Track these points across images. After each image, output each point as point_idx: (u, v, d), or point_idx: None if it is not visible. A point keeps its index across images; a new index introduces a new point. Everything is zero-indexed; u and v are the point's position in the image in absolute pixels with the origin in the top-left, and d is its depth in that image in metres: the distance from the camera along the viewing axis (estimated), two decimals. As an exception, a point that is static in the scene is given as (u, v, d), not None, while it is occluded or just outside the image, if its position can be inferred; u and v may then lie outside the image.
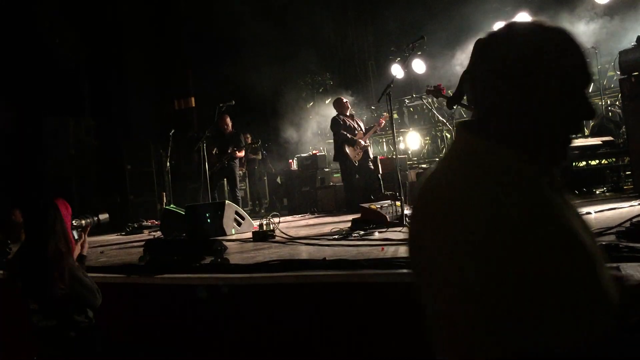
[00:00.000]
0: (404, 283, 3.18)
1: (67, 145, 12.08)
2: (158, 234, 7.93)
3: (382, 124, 9.61)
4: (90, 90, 13.76)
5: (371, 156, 9.39)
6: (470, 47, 1.39)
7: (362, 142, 9.08)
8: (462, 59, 9.48)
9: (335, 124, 9.25)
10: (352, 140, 9.01)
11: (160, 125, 14.32)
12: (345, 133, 9.08)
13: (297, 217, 9.76)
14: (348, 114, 9.36)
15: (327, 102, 13.16)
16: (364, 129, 9.33)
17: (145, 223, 9.67)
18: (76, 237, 3.80)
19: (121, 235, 9.13)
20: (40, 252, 3.40)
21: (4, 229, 10.01)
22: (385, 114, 10.33)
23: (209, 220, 6.97)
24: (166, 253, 4.59)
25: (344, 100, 9.43)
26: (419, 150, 12.10)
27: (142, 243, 5.22)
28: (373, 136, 12.95)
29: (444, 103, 6.87)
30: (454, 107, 7.04)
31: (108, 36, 14.12)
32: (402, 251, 3.98)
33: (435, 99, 10.01)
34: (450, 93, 6.49)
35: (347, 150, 9.05)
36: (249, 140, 10.39)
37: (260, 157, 12.57)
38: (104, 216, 4.17)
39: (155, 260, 4.49)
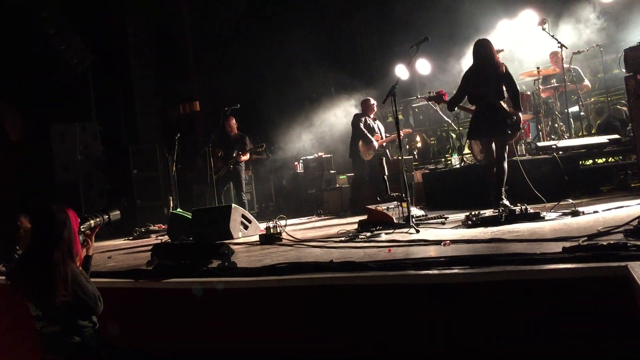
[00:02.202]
0: (412, 285, 3.18)
1: (74, 151, 12.14)
2: (165, 238, 7.95)
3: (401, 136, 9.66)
4: (96, 96, 13.81)
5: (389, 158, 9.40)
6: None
7: (376, 145, 9.11)
8: (466, 58, 9.45)
9: (356, 120, 9.29)
10: (368, 139, 9.08)
11: (166, 129, 14.38)
12: (363, 130, 9.12)
13: (304, 219, 9.77)
14: (372, 116, 9.40)
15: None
16: (383, 134, 9.36)
17: (152, 227, 9.69)
18: (81, 240, 3.79)
19: (129, 239, 9.16)
20: (45, 258, 3.40)
21: (11, 236, 10.06)
22: (407, 130, 10.40)
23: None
24: (174, 257, 4.59)
25: (371, 102, 9.43)
26: (425, 151, 12.06)
27: (150, 247, 5.24)
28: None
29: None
30: (455, 109, 7.03)
31: (113, 42, 14.18)
32: (409, 252, 3.98)
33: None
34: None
35: (360, 146, 9.12)
36: (251, 145, 10.40)
37: (265, 156, 12.58)
38: (114, 213, 4.13)
39: (162, 264, 4.49)
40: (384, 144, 9.33)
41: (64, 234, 3.49)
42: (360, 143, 9.13)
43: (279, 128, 12.86)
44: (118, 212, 4.18)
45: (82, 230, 3.79)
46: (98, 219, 4.00)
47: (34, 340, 3.76)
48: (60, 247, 3.44)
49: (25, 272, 3.53)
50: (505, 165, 5.95)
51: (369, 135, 9.09)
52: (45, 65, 12.59)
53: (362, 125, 9.14)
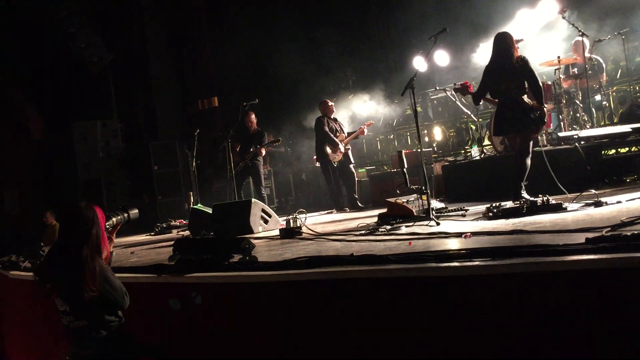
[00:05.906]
0: (433, 277, 3.17)
1: (96, 148, 12.30)
2: (186, 233, 8.02)
3: (364, 132, 9.85)
4: (116, 93, 13.97)
5: (352, 160, 9.54)
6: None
7: (342, 147, 9.21)
8: (486, 48, 9.35)
9: (319, 124, 9.41)
10: (334, 142, 9.18)
11: (185, 125, 14.49)
12: (328, 133, 9.23)
13: (323, 213, 9.77)
14: (332, 117, 9.51)
15: (349, 97, 13.12)
16: (346, 133, 9.50)
17: (173, 223, 9.78)
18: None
19: (150, 235, 9.26)
20: (74, 254, 3.46)
21: (36, 232, 10.24)
22: (370, 122, 10.38)
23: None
24: (195, 252, 4.64)
25: (330, 103, 9.62)
26: (444, 143, 11.98)
27: (172, 243, 5.29)
28: (397, 130, 12.90)
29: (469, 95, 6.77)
30: (480, 103, 6.95)
31: (132, 39, 14.30)
32: (430, 245, 3.97)
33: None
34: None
35: (327, 150, 9.22)
36: (271, 138, 10.44)
37: (282, 149, 12.64)
38: (133, 212, 4.21)
39: (184, 259, 4.55)
40: (349, 144, 9.45)
41: (93, 231, 3.55)
42: (326, 147, 9.22)
43: (297, 122, 12.88)
44: (137, 210, 4.25)
45: (107, 227, 3.85)
46: (119, 217, 4.07)
47: (60, 334, 3.82)
48: (89, 244, 3.50)
49: (54, 268, 3.60)
50: (529, 161, 5.84)
51: (334, 138, 9.20)
52: (66, 64, 12.76)
53: (326, 128, 9.25)
